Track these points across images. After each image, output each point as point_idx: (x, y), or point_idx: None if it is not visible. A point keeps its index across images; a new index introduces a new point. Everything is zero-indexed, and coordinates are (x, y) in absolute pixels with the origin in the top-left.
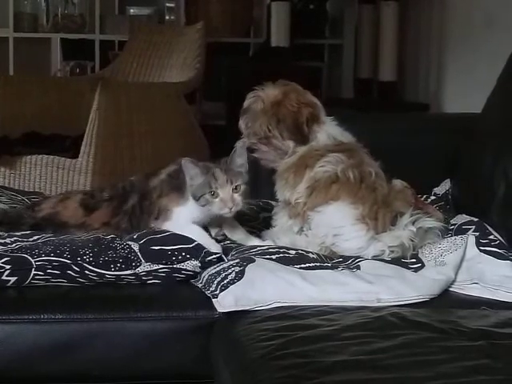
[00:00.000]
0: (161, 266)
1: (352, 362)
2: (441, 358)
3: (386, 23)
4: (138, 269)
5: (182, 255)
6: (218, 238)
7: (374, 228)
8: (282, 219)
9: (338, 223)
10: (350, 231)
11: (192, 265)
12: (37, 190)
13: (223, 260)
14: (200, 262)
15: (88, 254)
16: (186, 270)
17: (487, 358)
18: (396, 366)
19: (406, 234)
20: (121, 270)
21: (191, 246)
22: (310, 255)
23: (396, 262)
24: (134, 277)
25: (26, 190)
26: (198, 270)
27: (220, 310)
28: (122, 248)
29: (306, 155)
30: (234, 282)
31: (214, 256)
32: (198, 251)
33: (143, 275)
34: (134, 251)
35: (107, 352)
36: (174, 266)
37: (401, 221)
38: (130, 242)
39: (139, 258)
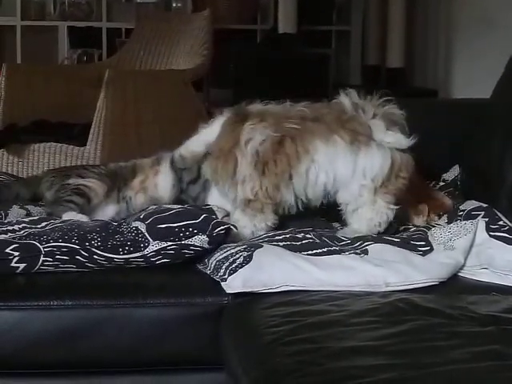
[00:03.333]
0: (169, 244)
1: (361, 348)
2: (450, 344)
3: (393, 9)
4: (147, 249)
5: (189, 231)
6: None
7: None
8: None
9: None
10: None
11: (200, 240)
12: None
13: (231, 232)
14: (208, 235)
15: (96, 239)
16: (194, 245)
17: (497, 344)
18: (405, 351)
19: None
20: (129, 253)
21: (198, 221)
22: (317, 240)
23: (404, 244)
24: (142, 259)
25: None
26: (206, 245)
27: (229, 291)
28: (129, 231)
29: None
30: (243, 266)
31: (222, 228)
32: (204, 225)
33: (152, 256)
34: (142, 232)
35: (116, 338)
36: (182, 242)
37: None
38: (136, 223)
39: (147, 238)
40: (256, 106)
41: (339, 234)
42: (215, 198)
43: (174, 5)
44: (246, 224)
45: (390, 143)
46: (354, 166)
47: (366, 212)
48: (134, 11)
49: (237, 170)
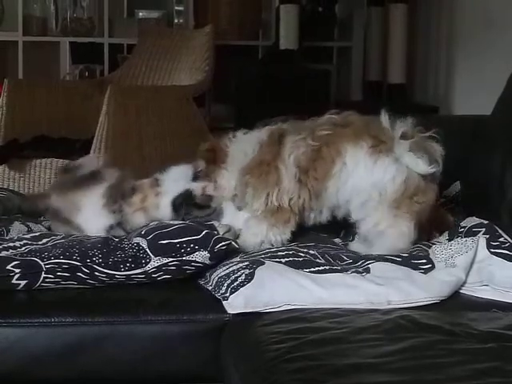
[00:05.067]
0: (170, 260)
1: (363, 365)
2: (451, 361)
3: (394, 25)
4: (148, 265)
5: (190, 247)
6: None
7: None
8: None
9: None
10: None
11: (201, 256)
12: None
13: (232, 248)
14: (209, 251)
15: (97, 256)
16: (195, 261)
17: (498, 361)
18: (406, 368)
19: None
20: (130, 269)
21: (199, 236)
22: (319, 260)
23: (406, 262)
24: (143, 275)
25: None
26: (207, 261)
27: (230, 311)
28: (131, 247)
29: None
30: (244, 285)
31: (224, 243)
32: (206, 241)
33: (153, 272)
34: (143, 248)
35: (117, 355)
36: (184, 258)
37: None
38: (138, 239)
39: (148, 254)
40: (288, 122)
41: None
42: (227, 217)
43: (176, 21)
44: (259, 233)
45: (407, 164)
46: (370, 172)
47: (381, 223)
48: (136, 27)
49: (279, 181)
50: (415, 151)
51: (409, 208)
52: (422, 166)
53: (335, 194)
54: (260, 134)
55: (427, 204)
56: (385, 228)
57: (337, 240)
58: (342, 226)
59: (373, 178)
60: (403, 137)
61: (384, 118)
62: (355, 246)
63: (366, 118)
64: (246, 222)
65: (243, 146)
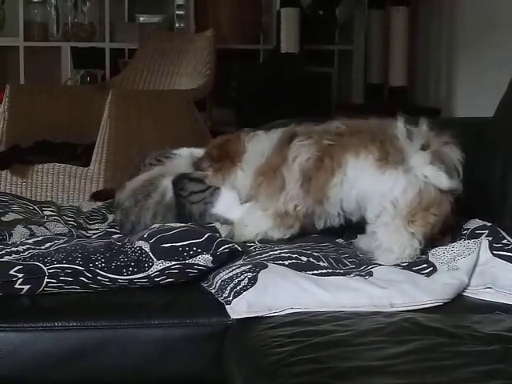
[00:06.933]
0: (173, 263)
1: (366, 368)
2: (455, 363)
3: (395, 28)
4: (151, 269)
5: (193, 250)
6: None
7: None
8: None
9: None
10: None
11: (204, 259)
12: (48, 198)
13: (235, 252)
14: (212, 255)
15: (100, 260)
16: (198, 264)
17: (501, 363)
18: (410, 371)
19: None
20: (133, 273)
21: (201, 240)
22: (321, 263)
23: (408, 267)
24: (146, 279)
25: (37, 198)
26: (210, 264)
27: (233, 316)
28: (133, 251)
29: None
30: (247, 288)
31: (226, 246)
32: (208, 244)
33: (156, 276)
34: (145, 252)
35: (120, 359)
36: (186, 261)
37: None
38: (140, 243)
39: (151, 257)
40: (304, 125)
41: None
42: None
43: (177, 25)
44: (260, 227)
45: (428, 177)
46: (377, 184)
47: (385, 240)
48: (137, 31)
49: (284, 187)
50: (435, 163)
51: (424, 220)
52: (444, 180)
53: (338, 204)
54: (277, 135)
55: (443, 216)
56: (393, 244)
57: (339, 240)
58: (345, 229)
59: (381, 189)
60: (422, 148)
61: (399, 124)
62: (363, 241)
63: (378, 124)
64: (250, 210)
65: (262, 145)
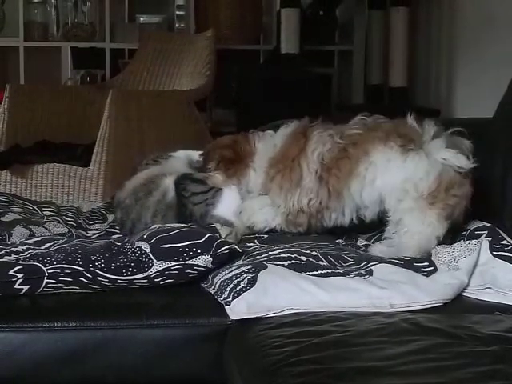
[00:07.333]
0: (173, 264)
1: (365, 368)
2: (454, 364)
3: (395, 29)
4: (151, 270)
5: (193, 251)
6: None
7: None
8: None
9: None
10: None
11: (204, 260)
12: (48, 198)
13: (235, 253)
14: (211, 255)
15: (100, 261)
16: (197, 265)
17: (501, 364)
18: (409, 371)
19: None
20: (133, 274)
21: (201, 240)
22: (321, 262)
23: (408, 265)
24: (146, 280)
25: (37, 198)
26: (209, 265)
27: (233, 317)
28: (133, 252)
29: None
30: (247, 289)
31: (226, 247)
32: (208, 245)
33: (156, 276)
34: (145, 252)
35: (120, 359)
36: (186, 262)
37: None
38: (140, 243)
39: (151, 258)
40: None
41: (374, 252)
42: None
43: (177, 25)
44: (268, 221)
45: (447, 160)
46: (401, 169)
47: (412, 224)
48: (137, 32)
49: (301, 179)
50: (451, 147)
51: (445, 202)
52: (463, 161)
53: (359, 193)
54: (290, 130)
55: (463, 197)
56: (415, 230)
57: (339, 240)
58: (345, 230)
59: (405, 175)
60: (436, 136)
61: (411, 119)
62: (378, 248)
63: (394, 121)
64: (262, 201)
65: (273, 142)
